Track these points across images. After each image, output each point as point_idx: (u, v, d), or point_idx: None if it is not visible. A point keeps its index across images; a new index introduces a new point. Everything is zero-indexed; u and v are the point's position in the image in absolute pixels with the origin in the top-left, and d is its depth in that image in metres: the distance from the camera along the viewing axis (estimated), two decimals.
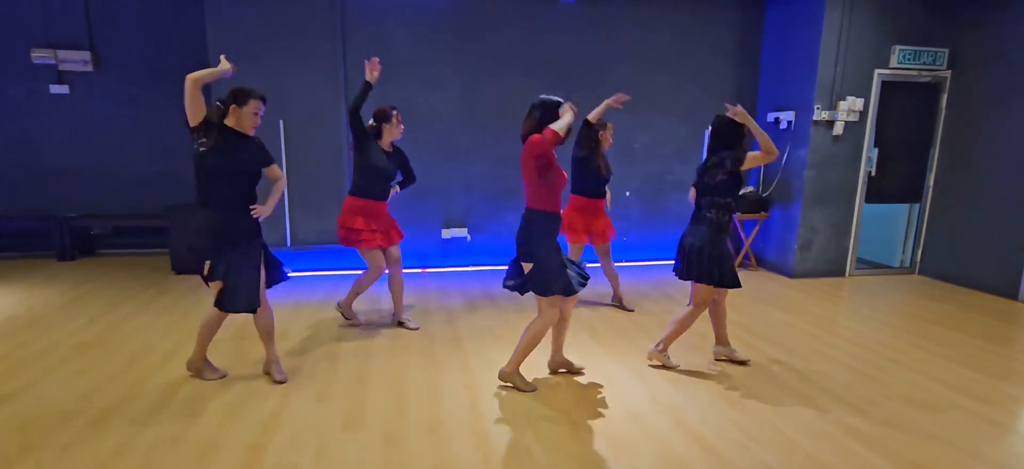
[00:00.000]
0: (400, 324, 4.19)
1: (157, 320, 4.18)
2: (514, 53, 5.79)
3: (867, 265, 6.36)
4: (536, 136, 2.90)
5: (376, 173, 3.86)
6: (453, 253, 6.03)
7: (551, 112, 2.97)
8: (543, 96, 3.05)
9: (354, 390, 3.13)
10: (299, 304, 4.69)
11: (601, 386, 3.26)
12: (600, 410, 2.97)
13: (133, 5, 6.05)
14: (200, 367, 3.23)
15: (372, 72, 3.65)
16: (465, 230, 5.99)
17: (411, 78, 5.63)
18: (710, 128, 3.30)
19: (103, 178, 6.27)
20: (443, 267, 6.03)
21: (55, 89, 6.04)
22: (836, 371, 3.57)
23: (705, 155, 3.38)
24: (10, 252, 6.24)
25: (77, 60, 5.97)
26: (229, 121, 2.91)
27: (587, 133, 4.28)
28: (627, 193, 6.30)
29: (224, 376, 3.26)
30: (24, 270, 5.63)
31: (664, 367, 3.54)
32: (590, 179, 4.36)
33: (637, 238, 6.45)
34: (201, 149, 2.80)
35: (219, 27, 5.19)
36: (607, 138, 4.43)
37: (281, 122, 5.42)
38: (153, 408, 2.87)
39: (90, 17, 6.01)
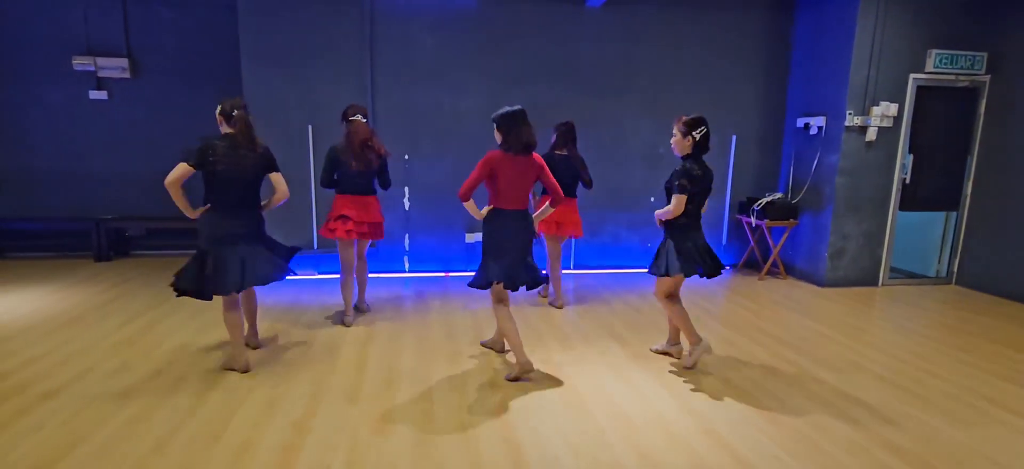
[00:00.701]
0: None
1: (191, 321, 4.27)
2: (539, 60, 5.81)
3: (901, 274, 6.20)
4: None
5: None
6: (477, 258, 6.04)
7: None
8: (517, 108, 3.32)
9: (383, 393, 3.16)
10: (326, 306, 4.75)
11: (628, 393, 3.24)
12: (628, 417, 2.95)
13: (169, 14, 6.23)
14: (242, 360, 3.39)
15: None
16: None
17: (437, 84, 5.68)
18: (704, 129, 3.35)
19: (138, 181, 6.45)
20: (466, 271, 6.05)
21: (94, 95, 6.25)
22: (871, 383, 3.48)
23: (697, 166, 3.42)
24: (51, 252, 6.46)
25: (115, 67, 6.17)
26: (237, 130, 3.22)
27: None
28: (652, 199, 6.25)
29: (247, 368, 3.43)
30: (64, 270, 5.81)
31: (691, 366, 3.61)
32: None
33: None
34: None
35: (251, 35, 5.31)
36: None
37: (310, 127, 5.51)
38: (190, 407, 2.93)
39: (128, 26, 6.21)
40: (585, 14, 5.78)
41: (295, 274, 3.77)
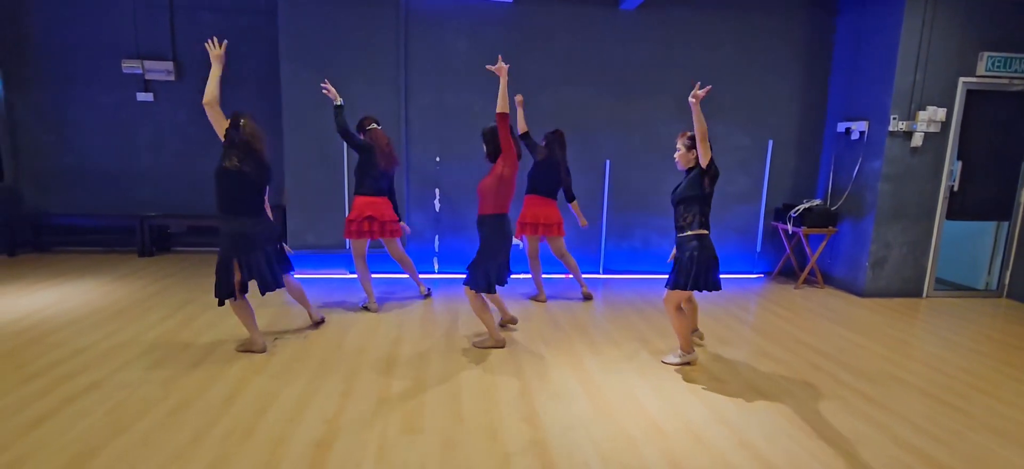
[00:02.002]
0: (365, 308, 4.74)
1: (229, 316, 4.37)
2: (572, 62, 5.78)
3: (947, 286, 5.94)
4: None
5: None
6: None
7: None
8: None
9: (412, 393, 3.18)
10: (352, 308, 4.82)
11: (658, 400, 3.18)
12: (659, 425, 2.90)
13: (212, 18, 6.44)
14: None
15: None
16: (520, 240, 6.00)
17: (470, 86, 5.71)
18: (690, 139, 3.42)
19: (180, 180, 6.68)
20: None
21: (141, 97, 6.50)
22: (915, 398, 3.34)
23: (685, 175, 3.49)
24: (98, 247, 6.74)
25: (161, 70, 6.40)
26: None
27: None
28: None
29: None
30: (109, 264, 6.06)
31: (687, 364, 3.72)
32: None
33: None
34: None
35: (291, 39, 5.44)
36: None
37: None
38: (226, 400, 3.01)
39: (174, 30, 6.44)
40: (619, 16, 5.74)
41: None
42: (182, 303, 4.71)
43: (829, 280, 6.04)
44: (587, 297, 5.20)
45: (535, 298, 5.16)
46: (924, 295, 5.65)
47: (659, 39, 5.83)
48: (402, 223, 4.67)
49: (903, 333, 4.56)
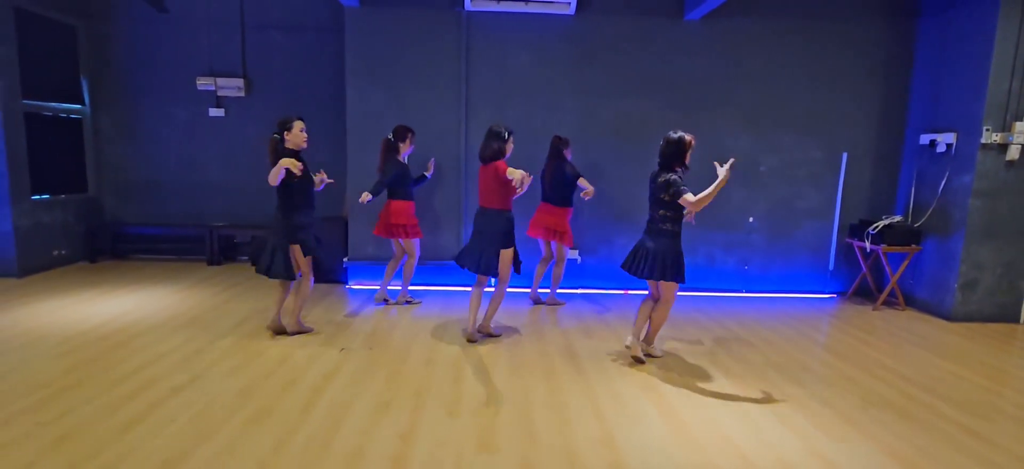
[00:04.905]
0: (408, 301, 5.28)
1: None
2: (633, 74, 5.68)
3: None
4: (502, 164, 3.99)
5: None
6: (580, 272, 5.96)
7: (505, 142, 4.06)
8: (502, 127, 4.08)
9: (482, 410, 3.13)
10: (416, 318, 4.83)
11: (741, 427, 3.01)
12: (744, 454, 2.74)
13: (281, 37, 6.68)
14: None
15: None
16: (576, 252, 5.90)
17: (530, 100, 5.69)
18: (663, 144, 3.83)
19: (247, 192, 6.92)
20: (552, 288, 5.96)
21: (213, 112, 6.79)
22: (1020, 432, 3.05)
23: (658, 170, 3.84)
24: (170, 256, 7.05)
25: (232, 86, 6.67)
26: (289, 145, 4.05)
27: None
28: (750, 219, 5.92)
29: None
30: (181, 272, 6.31)
31: (645, 357, 3.94)
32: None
33: (760, 267, 6.01)
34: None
35: (356, 56, 5.57)
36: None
37: None
38: (303, 409, 3.04)
39: (245, 48, 6.71)
40: (683, 27, 5.60)
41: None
42: (251, 312, 4.83)
43: (911, 302, 5.65)
44: (536, 301, 5.44)
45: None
46: (1022, 321, 5.20)
47: (725, 50, 5.66)
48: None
49: (1002, 361, 4.20)
